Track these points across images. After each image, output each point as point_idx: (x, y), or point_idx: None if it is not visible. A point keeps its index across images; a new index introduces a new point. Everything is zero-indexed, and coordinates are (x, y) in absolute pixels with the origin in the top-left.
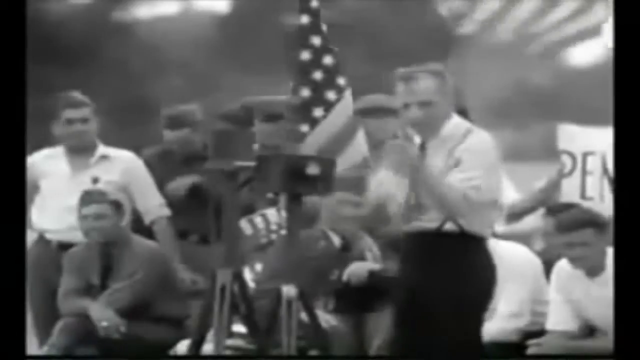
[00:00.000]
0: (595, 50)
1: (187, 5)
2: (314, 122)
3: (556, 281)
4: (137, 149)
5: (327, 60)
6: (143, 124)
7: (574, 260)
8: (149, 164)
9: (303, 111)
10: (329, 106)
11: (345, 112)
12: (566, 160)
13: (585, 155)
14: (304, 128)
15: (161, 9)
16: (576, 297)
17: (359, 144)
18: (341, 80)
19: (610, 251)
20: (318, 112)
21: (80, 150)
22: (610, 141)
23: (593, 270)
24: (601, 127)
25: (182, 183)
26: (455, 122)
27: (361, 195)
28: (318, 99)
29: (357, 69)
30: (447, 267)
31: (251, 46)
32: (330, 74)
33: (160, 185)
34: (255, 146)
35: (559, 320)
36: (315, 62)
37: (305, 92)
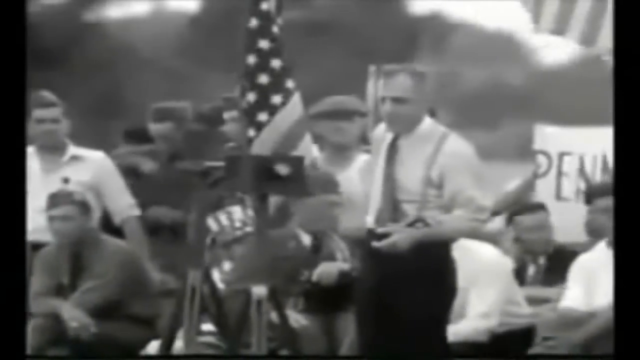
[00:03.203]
0: (567, 49)
1: (159, 5)
2: (259, 127)
3: (574, 268)
4: (108, 149)
5: (275, 63)
6: (115, 123)
7: (607, 226)
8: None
9: (249, 115)
10: (274, 110)
11: (293, 114)
12: (542, 160)
13: (561, 155)
14: (251, 133)
15: (132, 9)
16: (590, 274)
17: (307, 146)
18: (289, 84)
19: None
20: (262, 116)
21: (51, 151)
22: (588, 141)
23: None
24: (578, 127)
25: (164, 214)
26: (430, 124)
27: (338, 195)
28: (263, 103)
29: (327, 66)
30: (408, 268)
31: (223, 45)
32: (278, 77)
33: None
34: (228, 145)
35: (568, 297)
36: (262, 66)
37: (252, 97)
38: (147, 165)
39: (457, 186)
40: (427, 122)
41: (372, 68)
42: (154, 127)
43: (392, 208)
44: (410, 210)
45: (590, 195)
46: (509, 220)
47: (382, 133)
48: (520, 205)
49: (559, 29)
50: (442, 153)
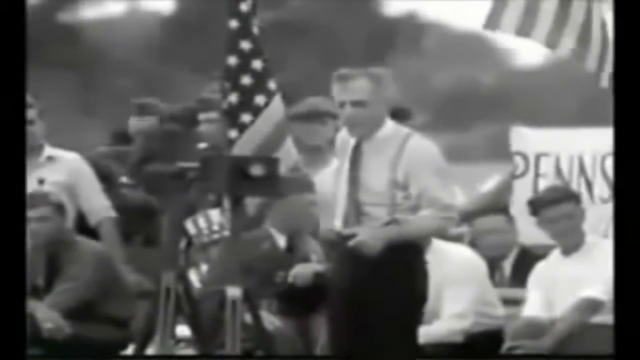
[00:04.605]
0: (541, 51)
1: (133, 5)
2: (242, 128)
3: (533, 277)
4: (82, 148)
5: (256, 64)
6: (89, 124)
7: (557, 235)
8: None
9: (231, 116)
10: (257, 111)
11: (274, 116)
12: (519, 161)
13: (538, 156)
14: (233, 134)
15: (107, 10)
16: (548, 282)
17: (289, 148)
18: (272, 85)
19: (588, 231)
20: (246, 117)
21: (27, 152)
22: (564, 142)
23: (570, 248)
24: (554, 128)
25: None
26: (392, 127)
27: (314, 195)
28: (247, 104)
29: (303, 67)
30: (379, 269)
31: (197, 46)
32: (260, 78)
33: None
34: (201, 146)
35: (530, 306)
36: (244, 67)
37: (234, 98)
38: (121, 173)
39: (422, 186)
40: (390, 124)
41: (337, 72)
42: (135, 123)
43: (357, 212)
44: (380, 213)
45: (537, 206)
46: (470, 223)
47: (345, 137)
48: (480, 208)
49: (524, 31)
50: (405, 154)
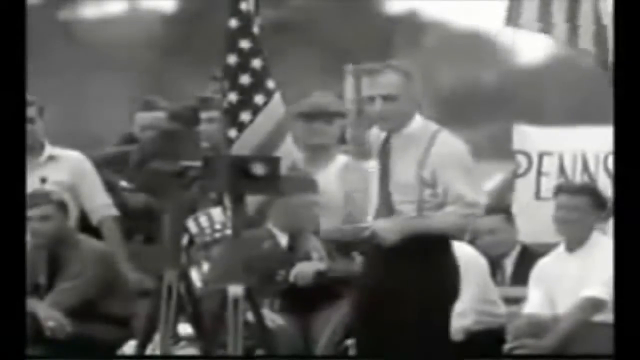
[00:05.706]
0: (544, 49)
1: (134, 4)
2: (241, 127)
3: (535, 273)
4: (82, 150)
5: (256, 63)
6: (89, 124)
7: (559, 223)
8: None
9: (231, 115)
10: (256, 110)
11: (274, 115)
12: (521, 160)
13: (541, 155)
14: (232, 133)
15: (108, 8)
16: (550, 279)
17: (288, 147)
18: (270, 84)
19: (595, 232)
20: (245, 116)
21: (28, 151)
22: (567, 140)
23: (574, 243)
24: (556, 127)
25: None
26: (421, 123)
27: (317, 195)
28: (246, 103)
29: (303, 66)
30: (412, 266)
31: (198, 45)
32: (259, 77)
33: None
34: (203, 144)
35: (531, 303)
36: (243, 66)
37: (233, 97)
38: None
39: (447, 182)
40: (418, 120)
41: (349, 67)
42: (141, 118)
43: (388, 208)
44: (409, 210)
45: (557, 190)
46: None
47: (376, 134)
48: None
49: (542, 27)
50: (433, 151)
